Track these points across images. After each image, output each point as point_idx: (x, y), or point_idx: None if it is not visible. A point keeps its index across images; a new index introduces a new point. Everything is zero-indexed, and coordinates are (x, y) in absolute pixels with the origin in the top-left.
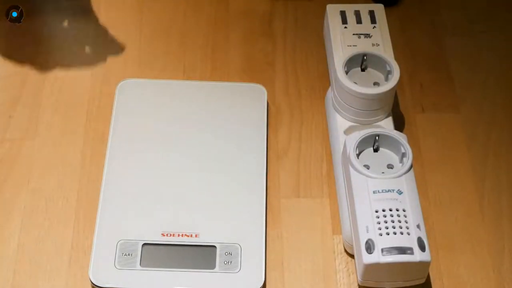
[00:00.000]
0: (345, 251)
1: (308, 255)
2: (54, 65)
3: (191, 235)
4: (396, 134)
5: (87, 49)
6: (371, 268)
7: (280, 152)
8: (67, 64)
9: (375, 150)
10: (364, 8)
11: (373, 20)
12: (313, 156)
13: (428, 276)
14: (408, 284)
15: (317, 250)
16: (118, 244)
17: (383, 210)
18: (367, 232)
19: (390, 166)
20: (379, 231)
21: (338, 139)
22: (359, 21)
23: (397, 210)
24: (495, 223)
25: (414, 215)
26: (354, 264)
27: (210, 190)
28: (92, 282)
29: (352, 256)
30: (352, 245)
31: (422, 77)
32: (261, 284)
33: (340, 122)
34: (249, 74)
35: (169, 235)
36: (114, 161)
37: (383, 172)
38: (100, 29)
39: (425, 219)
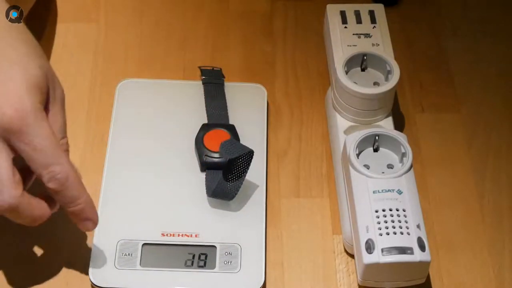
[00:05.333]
0: (345, 251)
1: (308, 255)
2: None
3: (191, 235)
4: (396, 134)
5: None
6: (371, 268)
7: (280, 152)
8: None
9: (375, 150)
10: (364, 8)
11: (373, 20)
12: (313, 156)
13: (428, 276)
14: (408, 284)
15: (317, 250)
16: (118, 244)
17: (383, 210)
18: (367, 232)
19: (390, 166)
20: (379, 231)
21: (338, 139)
22: (359, 21)
23: (397, 210)
24: (495, 223)
25: (414, 215)
26: (354, 264)
27: None
28: (92, 282)
29: (352, 256)
30: (352, 245)
31: (422, 77)
32: (261, 284)
33: (340, 122)
34: (249, 74)
35: (169, 235)
36: (114, 161)
37: (383, 172)
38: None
39: (425, 219)
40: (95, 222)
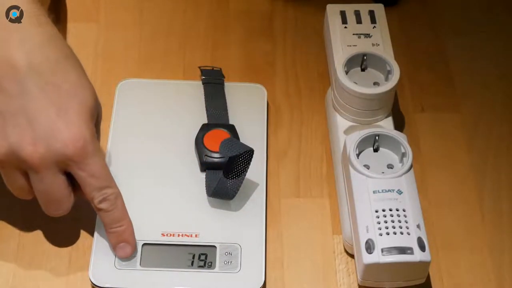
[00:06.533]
0: (345, 251)
1: (308, 255)
2: None
3: (191, 235)
4: (396, 134)
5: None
6: (371, 268)
7: (280, 152)
8: None
9: (375, 150)
10: (364, 8)
11: (373, 20)
12: (313, 156)
13: (428, 276)
14: (408, 284)
15: (317, 250)
16: None
17: (383, 210)
18: (367, 232)
19: (390, 166)
20: (379, 231)
21: (338, 139)
22: (359, 21)
23: (397, 210)
24: (495, 223)
25: (414, 215)
26: (354, 264)
27: None
28: (92, 282)
29: (352, 256)
30: (352, 245)
31: (422, 77)
32: (261, 284)
33: (340, 122)
34: (249, 74)
35: (169, 235)
36: (114, 161)
37: (383, 172)
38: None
39: (425, 219)
40: (133, 246)
